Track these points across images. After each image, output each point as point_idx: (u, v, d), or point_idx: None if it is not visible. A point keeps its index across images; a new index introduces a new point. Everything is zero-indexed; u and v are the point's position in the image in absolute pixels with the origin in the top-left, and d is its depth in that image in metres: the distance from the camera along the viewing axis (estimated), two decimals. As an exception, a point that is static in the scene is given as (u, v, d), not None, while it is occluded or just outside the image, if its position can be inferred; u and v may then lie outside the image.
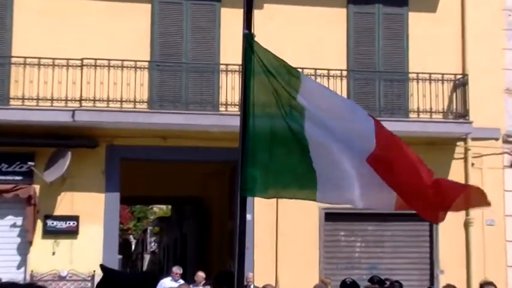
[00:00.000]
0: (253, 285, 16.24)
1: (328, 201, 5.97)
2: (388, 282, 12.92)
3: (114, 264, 19.68)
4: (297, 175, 5.49)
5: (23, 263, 18.43)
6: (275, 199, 18.77)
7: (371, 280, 13.40)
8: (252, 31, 5.51)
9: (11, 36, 19.01)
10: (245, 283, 15.16)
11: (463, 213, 19.93)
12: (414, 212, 17.64)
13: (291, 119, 5.42)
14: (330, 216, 19.51)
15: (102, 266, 5.90)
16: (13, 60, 18.71)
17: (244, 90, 5.46)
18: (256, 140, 5.34)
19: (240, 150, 5.30)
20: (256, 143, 5.34)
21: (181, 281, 17.75)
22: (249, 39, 5.51)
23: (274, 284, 17.09)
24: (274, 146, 5.43)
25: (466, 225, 20.07)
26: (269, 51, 5.59)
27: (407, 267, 19.07)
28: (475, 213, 19.85)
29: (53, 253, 18.34)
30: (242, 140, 5.31)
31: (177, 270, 19.87)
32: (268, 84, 5.49)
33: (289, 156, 5.45)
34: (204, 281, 17.58)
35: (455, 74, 20.17)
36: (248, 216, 18.24)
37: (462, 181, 19.96)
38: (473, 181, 19.81)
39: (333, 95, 6.05)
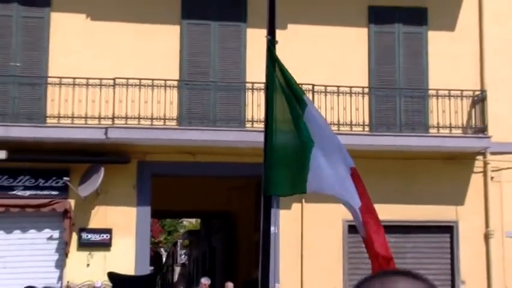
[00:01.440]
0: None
1: (314, 191, 6.39)
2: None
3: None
4: (300, 177, 5.89)
5: (59, 274, 18.45)
6: (300, 213, 19.09)
7: None
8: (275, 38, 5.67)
9: (47, 57, 19.05)
10: None
11: (483, 225, 19.97)
12: (435, 224, 17.69)
13: (301, 134, 5.73)
14: (354, 229, 19.31)
15: (109, 274, 6.08)
16: (49, 80, 18.76)
17: (266, 103, 5.78)
18: (275, 152, 5.66)
19: (264, 160, 5.58)
20: (275, 154, 5.66)
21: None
22: (271, 44, 5.62)
23: None
24: (288, 156, 5.78)
25: (486, 236, 19.89)
26: (285, 69, 5.78)
27: (429, 278, 18.99)
28: (495, 225, 19.96)
29: (88, 265, 18.36)
30: (265, 152, 5.59)
31: (205, 281, 19.93)
32: (284, 100, 5.73)
33: (297, 164, 5.77)
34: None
35: (473, 90, 20.06)
36: (273, 229, 18.35)
37: (482, 195, 20.05)
38: (493, 194, 20.02)
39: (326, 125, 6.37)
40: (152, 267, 27.64)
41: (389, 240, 19.68)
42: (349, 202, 6.13)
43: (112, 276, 5.51)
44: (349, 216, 18.64)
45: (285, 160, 5.80)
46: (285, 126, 5.73)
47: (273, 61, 5.66)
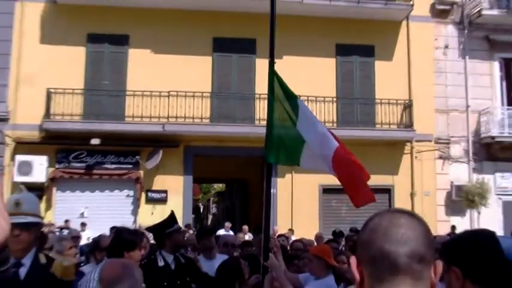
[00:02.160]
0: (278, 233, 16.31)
1: (305, 167, 5.77)
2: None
3: (190, 220, 19.94)
4: (294, 152, 5.47)
5: (133, 219, 18.58)
6: (291, 180, 19.16)
7: (334, 232, 13.65)
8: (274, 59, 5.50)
9: (126, 77, 19.15)
10: (272, 233, 15.29)
11: (409, 187, 20.06)
12: (379, 187, 17.12)
13: (295, 131, 5.41)
14: (326, 191, 19.44)
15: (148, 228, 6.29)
16: (127, 92, 18.87)
17: (269, 105, 5.45)
18: (274, 138, 5.37)
19: (265, 141, 5.37)
20: (275, 137, 5.36)
21: (231, 232, 17.92)
22: (271, 64, 5.44)
23: (291, 231, 17.27)
24: (284, 139, 5.42)
25: (412, 195, 20.08)
26: (282, 80, 5.55)
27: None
28: (418, 187, 20.06)
29: (152, 213, 18.35)
30: (267, 137, 5.36)
31: (227, 224, 20.07)
32: (281, 107, 5.44)
33: (292, 145, 5.43)
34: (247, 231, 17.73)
35: (404, 100, 20.11)
36: (273, 191, 18.57)
37: (409, 168, 20.16)
38: (416, 167, 20.12)
39: (315, 120, 5.78)
40: (193, 215, 27.70)
41: (347, 198, 19.89)
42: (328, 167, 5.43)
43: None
44: (324, 182, 18.85)
45: (282, 141, 5.38)
46: (282, 122, 5.40)
47: (272, 77, 5.42)
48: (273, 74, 5.45)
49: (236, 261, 5.44)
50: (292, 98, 5.48)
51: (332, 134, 5.48)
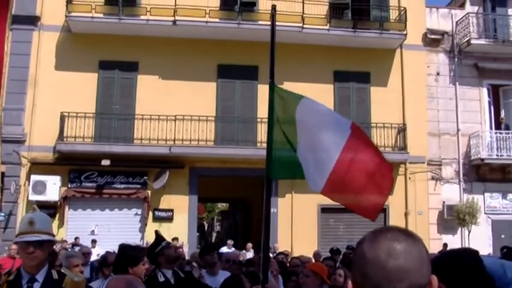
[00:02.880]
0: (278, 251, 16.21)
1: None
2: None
3: (194, 237, 19.94)
4: (297, 168, 4.98)
5: (141, 236, 18.48)
6: (290, 200, 19.13)
7: (331, 250, 13.58)
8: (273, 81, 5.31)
9: (135, 102, 19.24)
10: (273, 250, 15.21)
11: (403, 207, 19.98)
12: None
13: (292, 149, 5.00)
14: (324, 210, 19.41)
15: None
16: (136, 116, 18.91)
17: (269, 125, 5.20)
18: (274, 157, 5.06)
19: (266, 159, 5.13)
20: (274, 159, 5.05)
21: (233, 249, 17.73)
22: (271, 85, 5.25)
23: (290, 250, 17.22)
24: (284, 159, 5.08)
25: (406, 214, 20.02)
26: (283, 90, 5.34)
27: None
28: (411, 207, 20.00)
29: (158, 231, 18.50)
30: (267, 157, 5.10)
31: (230, 242, 19.87)
32: (281, 129, 5.10)
33: (290, 163, 5.02)
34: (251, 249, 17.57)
35: (398, 124, 20.13)
36: (273, 210, 18.57)
37: (403, 189, 20.10)
38: (410, 188, 20.06)
39: (326, 110, 5.44)
40: (198, 233, 27.63)
41: (344, 217, 19.72)
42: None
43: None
44: (322, 202, 18.71)
45: (283, 159, 5.05)
46: (282, 145, 5.03)
47: (272, 96, 5.15)
48: (272, 96, 5.24)
49: (238, 278, 5.45)
50: (291, 122, 5.12)
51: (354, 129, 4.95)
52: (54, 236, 4.24)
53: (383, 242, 1.54)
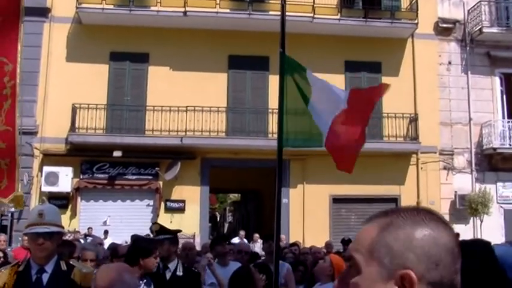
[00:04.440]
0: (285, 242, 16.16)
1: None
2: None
3: (206, 228, 20.05)
4: (309, 136, 5.47)
5: None
6: (302, 190, 19.15)
7: (343, 240, 13.49)
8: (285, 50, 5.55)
9: (146, 93, 19.27)
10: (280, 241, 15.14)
11: (415, 197, 19.90)
12: (387, 197, 16.95)
13: (306, 108, 5.42)
14: (336, 200, 19.55)
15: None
16: (147, 108, 18.97)
17: (281, 90, 5.40)
18: (286, 122, 5.30)
19: (278, 127, 5.34)
20: (286, 123, 5.29)
21: (245, 240, 17.86)
22: (282, 55, 5.46)
23: (301, 241, 17.24)
24: (298, 121, 5.42)
25: (418, 204, 19.36)
26: (293, 60, 5.59)
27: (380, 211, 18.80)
28: (423, 196, 19.90)
29: (170, 222, 18.15)
30: (279, 123, 5.32)
31: (242, 232, 19.98)
32: (292, 86, 5.45)
33: (304, 126, 5.44)
34: (259, 239, 17.62)
35: (410, 113, 20.04)
36: (285, 200, 18.57)
37: (415, 178, 20.05)
38: (421, 178, 19.98)
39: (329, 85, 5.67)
40: (210, 224, 27.70)
41: (356, 207, 19.70)
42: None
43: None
44: (334, 192, 18.81)
45: (297, 123, 5.37)
46: (295, 104, 5.38)
47: (283, 66, 5.42)
48: (283, 60, 5.45)
49: (248, 269, 5.42)
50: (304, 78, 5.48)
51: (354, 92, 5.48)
52: (63, 227, 4.27)
53: (445, 226, 1.30)
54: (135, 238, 5.57)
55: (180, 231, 6.24)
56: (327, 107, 5.42)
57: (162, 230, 5.74)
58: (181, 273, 5.49)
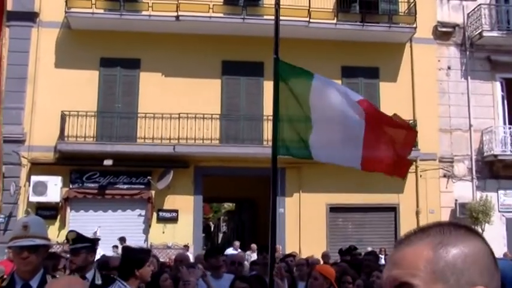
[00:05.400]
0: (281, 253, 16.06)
1: (318, 159, 5.67)
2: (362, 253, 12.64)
3: (200, 239, 19.96)
4: (301, 145, 5.42)
5: (145, 238, 18.55)
6: (298, 199, 19.07)
7: (340, 251, 13.32)
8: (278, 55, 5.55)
9: (138, 100, 19.22)
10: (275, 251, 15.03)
11: (414, 205, 19.93)
12: (385, 206, 16.85)
13: (304, 116, 5.39)
14: (333, 209, 19.51)
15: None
16: (139, 115, 18.93)
17: (275, 96, 5.41)
18: (281, 129, 5.33)
19: (273, 135, 5.36)
20: (281, 130, 5.32)
21: (240, 250, 17.75)
22: (276, 61, 5.48)
23: (298, 252, 17.17)
24: (291, 130, 5.41)
25: (417, 213, 19.90)
26: (289, 64, 5.56)
27: (381, 241, 18.80)
28: (423, 206, 19.91)
29: (163, 232, 18.51)
30: (274, 130, 5.35)
31: (236, 243, 19.90)
32: (289, 93, 5.41)
33: (299, 134, 5.41)
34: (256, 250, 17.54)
35: (408, 120, 19.55)
36: (281, 210, 18.49)
37: (414, 187, 19.99)
38: (421, 186, 19.97)
39: (337, 89, 5.61)
40: (204, 234, 27.59)
41: (354, 216, 19.70)
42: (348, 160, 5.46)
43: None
44: (331, 201, 18.76)
45: (291, 131, 5.39)
46: (289, 116, 5.39)
47: (277, 73, 5.42)
48: (277, 64, 5.47)
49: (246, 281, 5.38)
50: (303, 96, 5.43)
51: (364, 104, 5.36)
52: (49, 240, 4.19)
53: (479, 236, 1.31)
54: (126, 248, 5.50)
55: (98, 239, 6.14)
56: (329, 117, 5.39)
57: (79, 238, 5.46)
58: (100, 282, 5.35)
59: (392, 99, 20.07)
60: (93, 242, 5.67)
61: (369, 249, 14.29)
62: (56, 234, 16.75)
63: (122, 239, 17.14)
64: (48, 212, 17.48)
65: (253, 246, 18.02)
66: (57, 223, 17.85)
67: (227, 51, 19.71)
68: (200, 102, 19.17)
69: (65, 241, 15.93)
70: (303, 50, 19.48)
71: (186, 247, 17.73)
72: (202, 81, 19.50)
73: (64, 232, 17.69)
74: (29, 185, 17.83)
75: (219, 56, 19.75)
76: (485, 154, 20.68)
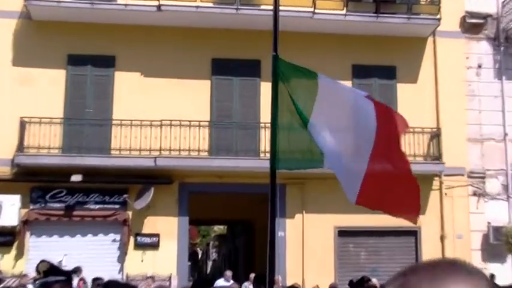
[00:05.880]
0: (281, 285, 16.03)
1: (330, 168, 5.57)
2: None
3: (185, 268, 19.99)
4: (307, 156, 5.53)
5: (120, 268, 18.44)
6: (301, 221, 19.04)
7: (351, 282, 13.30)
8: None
9: (112, 105, 19.21)
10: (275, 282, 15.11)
11: (439, 229, 19.89)
12: (403, 229, 16.98)
13: (304, 124, 5.46)
14: (342, 233, 19.47)
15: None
16: (113, 122, 18.89)
17: (274, 101, 5.55)
18: (281, 139, 5.43)
19: (271, 146, 5.50)
20: (281, 140, 5.43)
21: (232, 281, 17.65)
22: (275, 59, 5.61)
23: (301, 283, 17.11)
24: (292, 140, 5.51)
25: (442, 238, 19.85)
26: (290, 63, 5.71)
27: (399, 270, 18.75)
28: (448, 229, 19.86)
29: (142, 260, 18.38)
30: (272, 140, 5.49)
31: (228, 273, 19.78)
32: (290, 96, 5.50)
33: (302, 144, 5.50)
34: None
35: (431, 128, 20.04)
36: (281, 234, 18.36)
37: (438, 207, 19.95)
38: (446, 206, 19.94)
39: (344, 89, 5.87)
40: (190, 262, 27.57)
41: (367, 241, 19.71)
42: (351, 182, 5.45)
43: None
44: (340, 223, 18.74)
45: (293, 140, 5.54)
46: (289, 121, 5.52)
47: (276, 72, 5.58)
48: (277, 65, 5.60)
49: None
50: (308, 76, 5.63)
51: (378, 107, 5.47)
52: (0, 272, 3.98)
53: (468, 280, 1.30)
54: (109, 283, 5.46)
55: (74, 271, 6.13)
56: (339, 121, 5.53)
57: (52, 269, 5.52)
58: None
59: (412, 103, 20.02)
60: (69, 275, 5.72)
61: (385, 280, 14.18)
62: (11, 265, 16.57)
63: (76, 270, 16.82)
64: (3, 237, 17.34)
65: (252, 276, 18.04)
66: (13, 251, 17.70)
67: (218, 47, 19.73)
68: (186, 107, 19.16)
69: (22, 273, 15.73)
70: (307, 45, 19.54)
71: (169, 278, 17.64)
72: (188, 83, 19.52)
73: (22, 262, 17.62)
74: (-19, 206, 17.71)
75: (208, 53, 19.77)
76: (523, 168, 20.64)
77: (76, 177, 17.95)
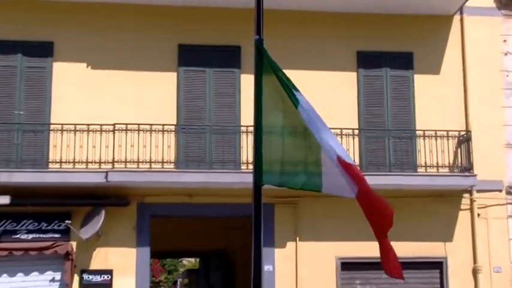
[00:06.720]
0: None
1: (330, 193, 5.46)
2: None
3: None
4: (304, 171, 5.37)
5: None
6: (294, 251, 19.11)
7: None
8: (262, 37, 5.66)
9: (50, 105, 19.17)
10: None
11: (471, 260, 19.85)
12: (425, 260, 17.17)
13: (296, 125, 5.45)
14: (346, 266, 19.47)
15: None
16: (52, 127, 18.82)
17: (257, 97, 5.57)
18: (264, 146, 5.37)
19: (255, 155, 5.44)
20: (264, 149, 5.36)
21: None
22: (258, 44, 5.60)
23: None
24: (280, 148, 5.41)
25: (475, 272, 19.82)
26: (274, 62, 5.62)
27: None
28: (483, 260, 19.85)
29: None
30: (256, 150, 5.44)
31: None
32: (275, 88, 5.53)
33: (293, 153, 5.42)
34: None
35: (459, 131, 20.07)
36: (268, 267, 18.55)
37: (469, 231, 20.03)
38: (480, 230, 19.93)
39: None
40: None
41: (381, 276, 19.77)
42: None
43: None
44: (342, 254, 18.84)
45: (279, 150, 5.40)
46: (277, 123, 5.49)
47: (261, 60, 5.56)
48: (261, 52, 5.60)
49: None
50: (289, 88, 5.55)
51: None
52: None
53: None
54: None
55: None
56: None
57: None
58: None
59: (433, 99, 20.31)
60: None
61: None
62: None
63: None
64: None
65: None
66: None
67: (186, 31, 19.86)
68: (146, 107, 19.29)
69: None
70: (299, 28, 19.64)
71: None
72: (148, 75, 19.64)
73: None
74: None
75: (173, 38, 19.90)
76: None
77: (3, 199, 17.89)
